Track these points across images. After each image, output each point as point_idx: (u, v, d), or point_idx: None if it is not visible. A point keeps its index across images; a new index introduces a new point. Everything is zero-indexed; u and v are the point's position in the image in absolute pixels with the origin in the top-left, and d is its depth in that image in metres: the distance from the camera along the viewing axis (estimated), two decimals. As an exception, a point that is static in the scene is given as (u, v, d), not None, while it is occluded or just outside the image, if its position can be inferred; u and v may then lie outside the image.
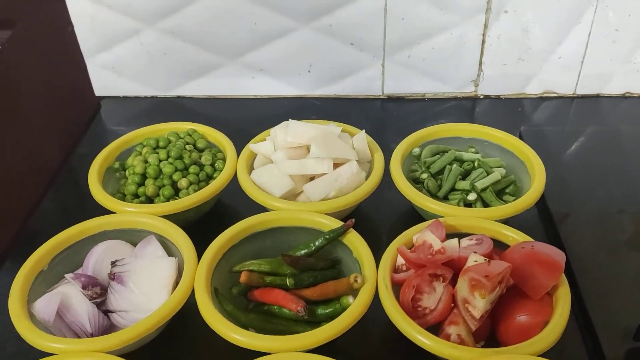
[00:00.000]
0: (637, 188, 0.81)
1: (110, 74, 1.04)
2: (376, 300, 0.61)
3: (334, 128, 0.77)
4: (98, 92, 1.07)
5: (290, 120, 0.78)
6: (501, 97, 1.01)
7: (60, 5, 0.98)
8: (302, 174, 0.73)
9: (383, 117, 1.01)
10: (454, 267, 0.61)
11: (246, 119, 1.02)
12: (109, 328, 0.63)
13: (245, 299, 0.68)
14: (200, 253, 0.66)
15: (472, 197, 0.73)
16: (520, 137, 0.88)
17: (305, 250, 0.67)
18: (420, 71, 0.99)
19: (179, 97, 1.07)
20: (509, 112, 0.99)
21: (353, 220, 0.66)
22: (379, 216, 0.79)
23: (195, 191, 0.75)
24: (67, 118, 1.12)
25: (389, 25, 0.94)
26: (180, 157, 0.77)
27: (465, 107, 1.01)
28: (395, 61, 0.98)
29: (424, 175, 0.76)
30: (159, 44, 1.00)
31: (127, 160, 0.81)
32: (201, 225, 0.77)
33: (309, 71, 1.01)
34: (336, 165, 0.74)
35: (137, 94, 1.07)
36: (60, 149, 1.01)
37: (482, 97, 1.01)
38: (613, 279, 0.68)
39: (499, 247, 0.65)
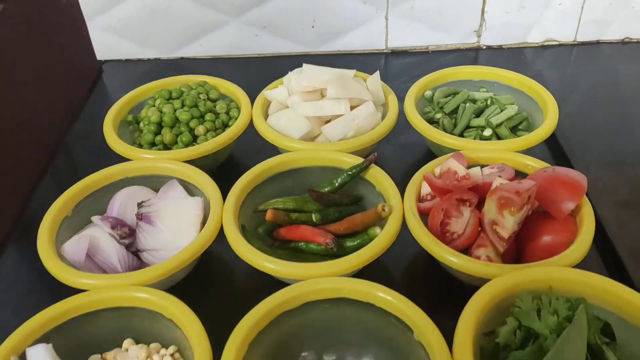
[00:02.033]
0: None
1: (111, 37, 1.04)
2: (401, 232, 0.62)
3: (347, 71, 0.78)
4: (100, 55, 1.06)
5: (304, 64, 0.78)
6: (503, 47, 1.03)
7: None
8: (320, 115, 0.74)
9: (387, 71, 1.02)
10: (479, 193, 0.62)
11: (251, 78, 1.01)
12: (138, 267, 0.63)
13: (270, 239, 0.68)
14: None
15: (487, 132, 0.74)
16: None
17: (329, 188, 0.68)
18: (423, 23, 1.00)
19: (182, 58, 1.06)
20: (511, 61, 1.00)
21: (375, 154, 0.67)
22: (395, 159, 0.80)
23: (213, 137, 0.75)
24: (70, 83, 1.11)
25: (393, -24, 0.95)
26: (196, 105, 0.77)
27: (468, 58, 1.02)
28: (398, 14, 0.99)
29: (439, 115, 0.77)
30: (161, 3, 0.99)
31: (140, 113, 0.81)
32: (218, 174, 0.77)
33: (313, 27, 1.01)
34: (352, 108, 0.75)
35: (139, 57, 1.06)
36: (65, 114, 1.00)
37: (484, 47, 1.03)
38: (628, 203, 0.70)
39: (519, 176, 0.66)
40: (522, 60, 1.00)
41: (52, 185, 0.83)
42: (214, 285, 0.66)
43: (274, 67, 1.04)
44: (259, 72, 1.04)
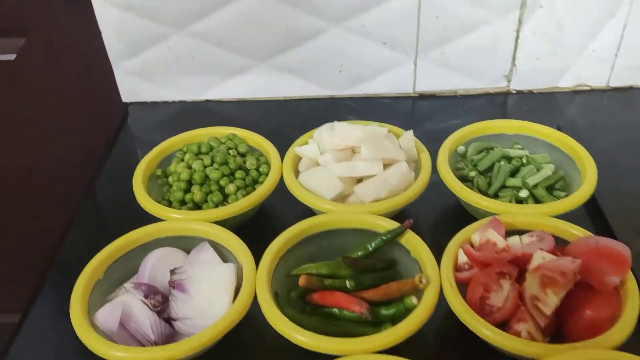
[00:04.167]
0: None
1: (137, 80, 1.04)
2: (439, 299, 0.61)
3: (379, 129, 0.77)
4: (125, 98, 1.06)
5: (335, 122, 0.78)
6: (534, 91, 1.01)
7: (86, 12, 0.97)
8: (352, 176, 0.73)
9: (415, 115, 1.01)
10: (518, 264, 0.60)
11: (278, 121, 1.02)
12: (171, 335, 0.63)
13: (302, 302, 0.67)
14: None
15: (524, 194, 0.72)
16: (559, 132, 0.88)
17: (362, 252, 0.67)
18: (452, 68, 0.99)
19: (207, 100, 1.06)
20: (542, 106, 0.99)
21: (411, 220, 0.66)
22: (427, 215, 0.79)
23: (243, 196, 0.74)
24: (95, 125, 1.11)
25: (423, 24, 0.94)
26: (226, 163, 0.77)
27: (497, 103, 1.01)
28: (427, 59, 0.98)
29: (473, 173, 0.76)
30: (188, 48, 0.99)
31: (169, 167, 0.80)
32: (247, 230, 0.76)
33: (340, 71, 1.00)
34: (385, 166, 0.74)
35: (165, 99, 1.06)
36: (91, 158, 1.00)
37: (514, 92, 1.01)
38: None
39: (559, 245, 0.65)
40: (553, 105, 0.99)
41: (79, 237, 0.82)
42: (245, 352, 0.65)
43: (300, 109, 1.04)
44: (285, 114, 1.03)
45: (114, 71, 1.03)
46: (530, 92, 1.01)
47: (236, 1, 0.93)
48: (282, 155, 0.80)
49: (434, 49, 0.97)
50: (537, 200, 0.73)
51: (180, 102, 1.06)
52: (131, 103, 1.07)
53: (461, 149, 0.80)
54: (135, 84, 1.04)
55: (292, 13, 0.93)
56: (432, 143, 0.80)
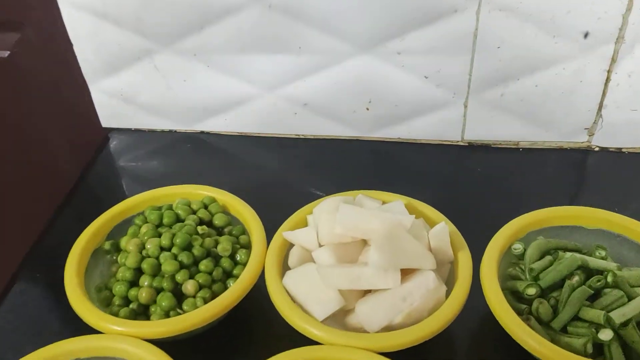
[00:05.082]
0: None
1: (119, 103, 0.84)
2: None
3: (401, 219, 0.54)
4: (105, 122, 0.87)
5: (340, 202, 0.56)
6: (623, 150, 0.76)
7: (54, 16, 0.78)
8: (357, 288, 0.51)
9: (461, 169, 0.78)
10: None
11: (285, 163, 0.82)
12: None
13: None
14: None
15: (605, 336, 0.49)
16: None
17: (358, 415, 0.46)
18: (515, 114, 0.75)
19: (202, 132, 0.86)
20: (633, 170, 0.74)
21: (432, 384, 0.44)
22: (459, 342, 0.57)
23: (205, 300, 0.54)
24: (72, 148, 0.93)
25: (479, 55, 0.70)
26: (189, 248, 0.56)
27: (573, 161, 0.76)
28: (482, 100, 0.74)
29: (531, 291, 0.53)
30: (177, 68, 0.79)
31: (121, 239, 0.61)
32: (208, 337, 0.57)
33: (368, 109, 0.78)
34: (404, 274, 0.52)
35: (152, 127, 0.87)
36: (58, 190, 0.83)
37: (597, 149, 0.77)
38: None
39: None
40: (649, 172, 0.74)
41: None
42: None
43: (314, 151, 0.83)
44: (295, 155, 0.82)
45: (90, 90, 0.84)
46: (619, 151, 0.76)
47: (235, 13, 0.72)
48: (277, 217, 0.60)
49: (492, 87, 0.73)
50: (626, 345, 0.49)
51: (170, 131, 0.87)
52: (112, 129, 0.88)
53: (518, 247, 0.56)
54: (117, 107, 0.85)
55: (304, 31, 0.72)
56: (479, 212, 0.64)
